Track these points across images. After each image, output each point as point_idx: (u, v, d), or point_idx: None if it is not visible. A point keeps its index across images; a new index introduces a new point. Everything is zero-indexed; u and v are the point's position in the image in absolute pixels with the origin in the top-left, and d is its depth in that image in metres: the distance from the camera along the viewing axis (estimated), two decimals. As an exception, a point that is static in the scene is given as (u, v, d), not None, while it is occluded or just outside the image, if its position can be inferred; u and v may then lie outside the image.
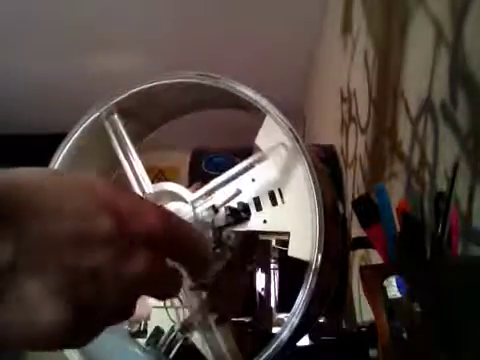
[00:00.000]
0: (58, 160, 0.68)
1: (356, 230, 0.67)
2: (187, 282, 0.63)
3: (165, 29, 2.52)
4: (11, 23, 2.48)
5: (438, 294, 0.49)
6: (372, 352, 0.65)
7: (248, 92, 0.61)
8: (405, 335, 0.50)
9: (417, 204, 0.57)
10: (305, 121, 3.21)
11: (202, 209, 0.61)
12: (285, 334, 0.54)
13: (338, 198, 0.67)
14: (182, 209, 0.61)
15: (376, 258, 0.60)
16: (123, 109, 0.69)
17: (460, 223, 0.68)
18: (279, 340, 0.54)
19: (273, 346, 0.54)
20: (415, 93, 1.01)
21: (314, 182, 0.56)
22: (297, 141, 0.57)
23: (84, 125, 0.68)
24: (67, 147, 0.68)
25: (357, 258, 1.44)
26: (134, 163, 0.67)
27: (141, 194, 0.64)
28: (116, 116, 0.68)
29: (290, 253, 0.58)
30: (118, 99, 0.67)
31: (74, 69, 2.90)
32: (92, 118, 0.68)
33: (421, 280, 0.50)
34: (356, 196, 1.50)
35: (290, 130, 0.58)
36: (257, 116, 0.63)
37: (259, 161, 0.61)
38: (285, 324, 0.54)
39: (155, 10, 2.37)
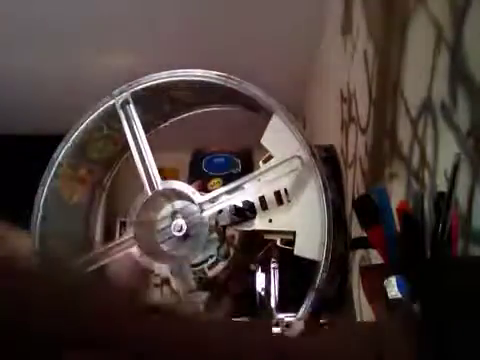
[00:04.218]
0: (67, 144, 0.68)
1: (356, 230, 0.67)
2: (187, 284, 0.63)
3: (165, 29, 2.52)
4: (11, 24, 2.48)
5: (438, 294, 0.49)
6: (372, 352, 0.65)
7: (269, 101, 0.62)
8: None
9: (417, 204, 0.57)
10: (305, 121, 3.21)
11: (210, 212, 0.61)
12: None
13: (339, 199, 0.67)
14: (189, 208, 0.61)
15: (376, 258, 0.60)
16: (138, 99, 0.69)
17: (460, 223, 0.68)
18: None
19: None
20: (415, 93, 1.01)
21: (326, 199, 0.56)
22: (314, 157, 0.58)
23: (97, 112, 0.68)
24: (77, 132, 0.68)
25: (357, 258, 1.44)
26: (144, 153, 0.67)
27: (150, 190, 0.64)
28: (132, 106, 0.68)
29: (296, 252, 0.58)
30: (135, 89, 0.68)
31: (74, 69, 2.90)
32: (107, 105, 0.68)
33: (421, 280, 0.50)
34: (356, 196, 1.50)
35: (308, 146, 0.59)
36: (260, 116, 0.64)
37: (272, 169, 0.61)
38: (292, 325, 0.54)
39: (155, 10, 2.37)
